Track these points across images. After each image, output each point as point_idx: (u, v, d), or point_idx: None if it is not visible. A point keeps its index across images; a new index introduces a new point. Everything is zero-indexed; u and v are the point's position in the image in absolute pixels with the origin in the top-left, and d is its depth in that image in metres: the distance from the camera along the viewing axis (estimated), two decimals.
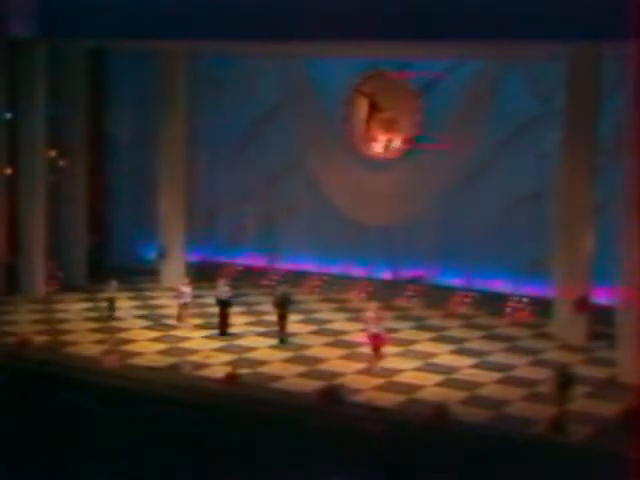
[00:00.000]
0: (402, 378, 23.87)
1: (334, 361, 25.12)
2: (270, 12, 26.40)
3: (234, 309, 28.24)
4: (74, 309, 29.42)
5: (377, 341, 24.79)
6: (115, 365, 24.23)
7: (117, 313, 28.61)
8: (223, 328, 27.18)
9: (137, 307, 29.78)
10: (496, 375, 24.23)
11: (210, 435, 19.07)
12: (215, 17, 27.15)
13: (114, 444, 18.39)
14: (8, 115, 31.03)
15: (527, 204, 29.65)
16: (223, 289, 27.63)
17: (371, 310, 25.06)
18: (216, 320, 27.49)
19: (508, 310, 29.54)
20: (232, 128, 33.66)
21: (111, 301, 28.66)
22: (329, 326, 28.37)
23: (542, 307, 28.65)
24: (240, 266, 33.56)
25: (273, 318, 28.77)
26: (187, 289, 28.07)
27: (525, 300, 29.46)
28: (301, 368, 24.56)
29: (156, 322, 28.01)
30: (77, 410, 20.02)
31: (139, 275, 32.46)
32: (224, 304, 27.39)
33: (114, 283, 28.88)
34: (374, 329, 24.63)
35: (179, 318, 27.84)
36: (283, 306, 26.69)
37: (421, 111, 31.06)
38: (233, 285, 29.45)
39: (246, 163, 33.71)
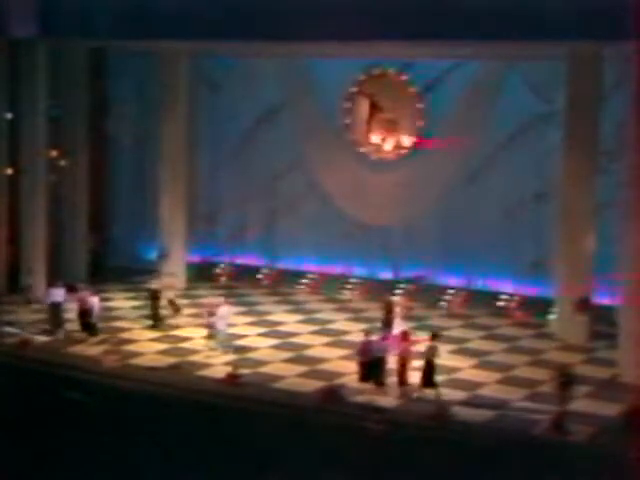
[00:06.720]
0: None
1: (335, 361, 25.12)
2: (270, 12, 26.41)
3: (235, 309, 28.22)
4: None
5: None
6: (115, 365, 24.24)
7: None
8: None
9: (137, 307, 29.74)
10: (496, 375, 24.24)
11: (210, 435, 19.10)
12: (215, 17, 27.15)
13: (113, 444, 18.43)
14: (9, 115, 31.02)
15: (528, 204, 29.66)
16: None
17: None
18: None
19: (509, 310, 29.56)
20: (232, 128, 33.63)
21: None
22: (330, 326, 28.36)
23: (543, 307, 28.64)
24: (241, 266, 33.57)
25: (273, 318, 28.87)
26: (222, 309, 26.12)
27: (526, 300, 29.46)
28: (302, 368, 24.55)
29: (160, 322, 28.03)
30: (77, 410, 20.08)
31: (140, 275, 32.41)
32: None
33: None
34: None
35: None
36: None
37: (422, 111, 31.07)
38: (234, 285, 29.37)
39: (246, 163, 33.68)
